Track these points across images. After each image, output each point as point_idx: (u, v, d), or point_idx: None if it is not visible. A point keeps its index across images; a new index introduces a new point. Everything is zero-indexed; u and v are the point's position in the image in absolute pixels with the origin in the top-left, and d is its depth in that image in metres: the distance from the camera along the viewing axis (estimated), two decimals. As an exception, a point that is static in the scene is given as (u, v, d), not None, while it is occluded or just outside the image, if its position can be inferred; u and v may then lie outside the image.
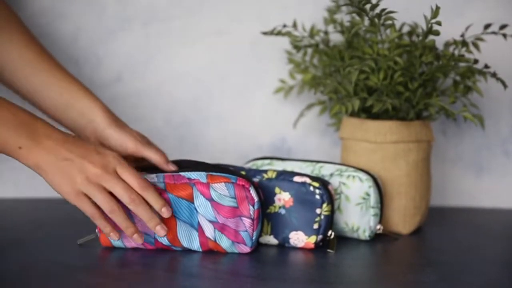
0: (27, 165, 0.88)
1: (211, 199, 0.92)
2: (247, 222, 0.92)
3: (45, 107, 1.03)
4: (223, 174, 0.92)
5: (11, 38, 1.04)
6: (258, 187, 0.94)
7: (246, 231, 0.92)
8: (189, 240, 0.93)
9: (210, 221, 0.92)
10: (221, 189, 0.91)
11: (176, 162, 0.97)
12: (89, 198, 0.88)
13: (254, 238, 0.93)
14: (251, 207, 0.91)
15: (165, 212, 0.90)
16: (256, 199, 0.92)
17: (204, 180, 0.92)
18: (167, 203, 0.92)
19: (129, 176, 0.89)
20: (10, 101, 0.89)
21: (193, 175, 0.92)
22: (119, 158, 0.90)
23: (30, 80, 1.03)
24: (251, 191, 0.91)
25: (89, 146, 0.89)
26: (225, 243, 0.93)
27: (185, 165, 0.96)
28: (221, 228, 0.92)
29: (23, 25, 1.07)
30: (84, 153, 0.88)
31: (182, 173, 0.93)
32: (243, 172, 0.98)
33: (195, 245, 0.93)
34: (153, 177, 0.93)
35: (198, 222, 0.92)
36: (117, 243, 0.94)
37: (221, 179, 0.92)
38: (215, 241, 0.93)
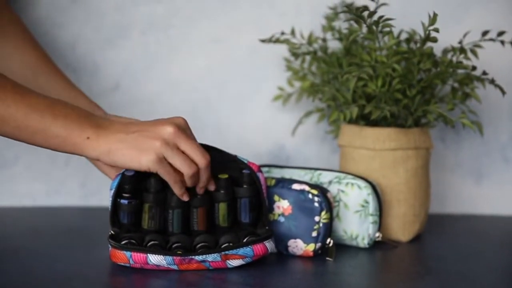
0: (95, 155, 0.85)
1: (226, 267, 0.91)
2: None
3: None
4: (240, 252, 0.89)
5: (15, 42, 1.05)
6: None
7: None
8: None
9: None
10: (238, 263, 0.90)
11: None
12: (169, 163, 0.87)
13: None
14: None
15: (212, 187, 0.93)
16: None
17: (218, 259, 0.89)
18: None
19: (193, 146, 0.89)
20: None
21: (208, 257, 0.89)
22: (182, 124, 0.90)
23: (29, 83, 1.03)
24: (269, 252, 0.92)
25: (151, 121, 0.89)
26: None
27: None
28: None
29: (26, 30, 1.08)
30: (151, 123, 0.88)
31: (195, 257, 0.89)
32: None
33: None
34: (161, 260, 0.89)
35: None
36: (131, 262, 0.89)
37: (237, 257, 0.90)
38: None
